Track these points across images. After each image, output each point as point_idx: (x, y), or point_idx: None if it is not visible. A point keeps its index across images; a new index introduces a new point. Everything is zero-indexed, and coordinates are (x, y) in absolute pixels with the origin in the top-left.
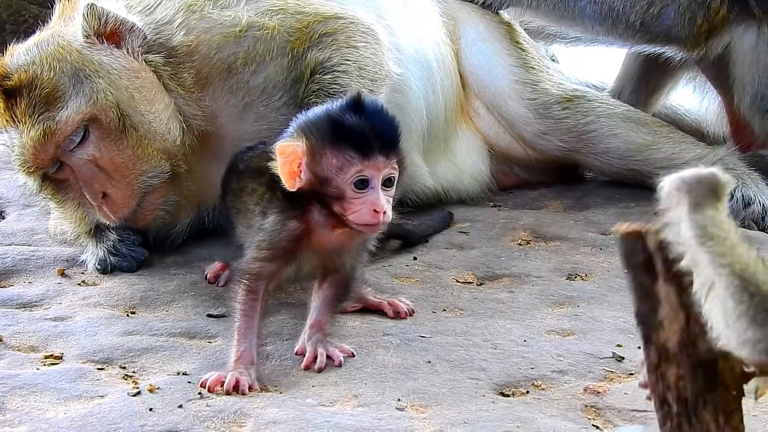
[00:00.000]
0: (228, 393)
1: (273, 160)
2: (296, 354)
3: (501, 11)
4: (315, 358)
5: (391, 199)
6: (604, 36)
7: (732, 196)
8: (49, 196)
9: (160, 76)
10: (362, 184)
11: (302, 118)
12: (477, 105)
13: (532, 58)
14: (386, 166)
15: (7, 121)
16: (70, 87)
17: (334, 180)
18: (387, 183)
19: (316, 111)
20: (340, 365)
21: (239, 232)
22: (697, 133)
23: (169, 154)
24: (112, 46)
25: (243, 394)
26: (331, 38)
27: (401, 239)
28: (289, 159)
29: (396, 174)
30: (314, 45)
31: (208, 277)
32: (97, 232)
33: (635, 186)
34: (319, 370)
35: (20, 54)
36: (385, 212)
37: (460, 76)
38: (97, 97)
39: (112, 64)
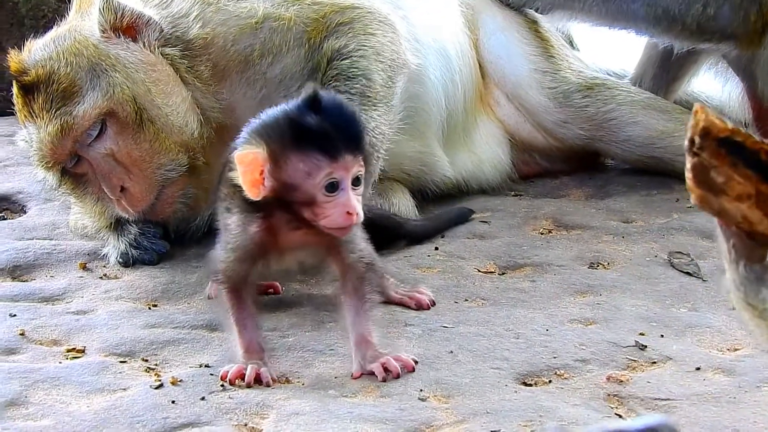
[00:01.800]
0: (249, 386)
1: (233, 169)
2: (354, 378)
3: (547, 15)
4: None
5: (361, 198)
6: (657, 37)
7: None
8: (69, 191)
9: (177, 69)
10: (333, 187)
11: (257, 122)
12: (497, 94)
13: (552, 46)
14: (354, 165)
15: (25, 116)
16: (87, 81)
17: (302, 186)
18: (355, 182)
19: (272, 113)
20: (398, 377)
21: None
22: None
23: (186, 147)
24: (129, 40)
25: (268, 385)
26: (348, 27)
27: (405, 238)
28: (249, 168)
29: (363, 172)
30: (331, 35)
31: None
32: (118, 225)
33: (657, 173)
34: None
35: (37, 49)
36: (357, 213)
37: (480, 65)
38: (113, 91)
39: (129, 57)
